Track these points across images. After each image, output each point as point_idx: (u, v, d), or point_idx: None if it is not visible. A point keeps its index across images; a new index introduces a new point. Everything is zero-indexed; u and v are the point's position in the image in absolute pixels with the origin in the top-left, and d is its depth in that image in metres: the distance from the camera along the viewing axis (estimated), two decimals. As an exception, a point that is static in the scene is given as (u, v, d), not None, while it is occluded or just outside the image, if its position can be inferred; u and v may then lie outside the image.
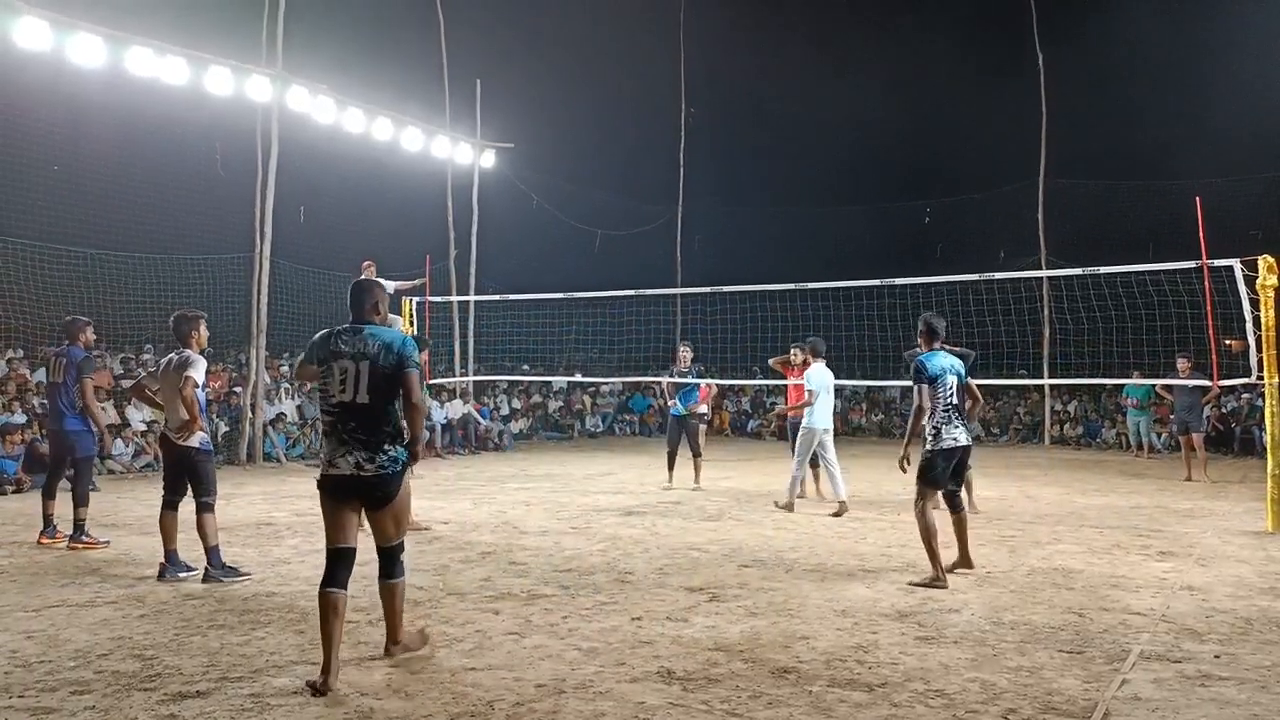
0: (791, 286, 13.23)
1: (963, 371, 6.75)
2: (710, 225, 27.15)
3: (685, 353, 12.59)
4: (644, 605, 5.76)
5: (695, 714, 3.92)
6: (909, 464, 6.55)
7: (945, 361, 6.66)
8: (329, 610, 4.29)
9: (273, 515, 9.40)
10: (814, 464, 10.59)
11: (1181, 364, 13.31)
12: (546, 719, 3.85)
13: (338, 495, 4.42)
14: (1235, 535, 8.60)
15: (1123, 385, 17.29)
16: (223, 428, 15.31)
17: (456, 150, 19.06)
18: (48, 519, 7.95)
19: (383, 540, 4.55)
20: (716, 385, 13.56)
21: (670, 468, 12.28)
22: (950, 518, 6.81)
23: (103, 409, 13.92)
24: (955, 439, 6.56)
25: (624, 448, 19.36)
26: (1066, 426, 21.47)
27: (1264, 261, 8.90)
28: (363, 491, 4.39)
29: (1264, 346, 8.80)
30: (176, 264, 18.18)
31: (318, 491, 4.50)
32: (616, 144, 26.63)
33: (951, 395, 6.57)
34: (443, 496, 10.86)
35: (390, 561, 4.56)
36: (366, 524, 4.55)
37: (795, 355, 11.04)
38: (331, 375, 4.41)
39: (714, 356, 18.11)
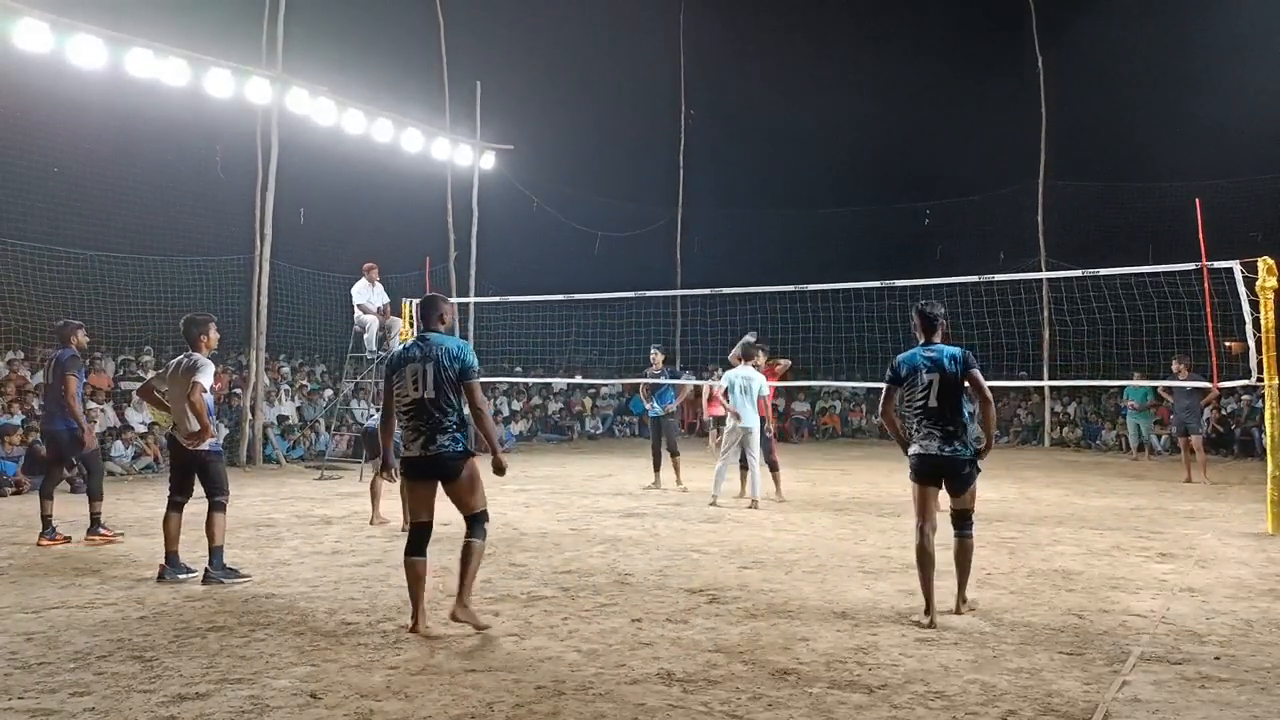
0: (791, 288, 13.25)
1: (956, 369, 5.57)
2: (710, 227, 27.17)
3: (656, 355, 12.84)
4: (644, 607, 5.76)
5: (695, 716, 3.92)
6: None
7: (923, 358, 5.64)
8: (411, 574, 5.17)
9: (272, 517, 9.40)
10: (744, 465, 10.91)
11: (1176, 365, 13.33)
12: (546, 721, 3.86)
13: (413, 475, 5.23)
14: (1235, 537, 8.60)
15: (1123, 387, 17.27)
16: (223, 429, 15.32)
17: (456, 152, 19.07)
18: (46, 520, 7.97)
19: (464, 509, 5.26)
20: (692, 386, 13.71)
21: (656, 469, 12.41)
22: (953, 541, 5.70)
23: (101, 410, 14.01)
24: (921, 449, 5.63)
25: (624, 449, 19.36)
26: (1066, 429, 21.49)
27: (1263, 263, 8.90)
28: (432, 470, 5.16)
29: (1264, 348, 8.80)
30: (176, 266, 18.20)
31: (401, 474, 5.33)
32: (616, 146, 26.65)
33: (928, 398, 5.56)
34: (442, 498, 10.84)
35: (474, 524, 5.23)
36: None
37: (758, 357, 11.55)
38: (404, 379, 5.17)
39: (714, 358, 18.12)
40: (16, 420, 12.49)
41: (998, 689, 4.26)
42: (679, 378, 13.33)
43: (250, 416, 15.12)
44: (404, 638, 5.02)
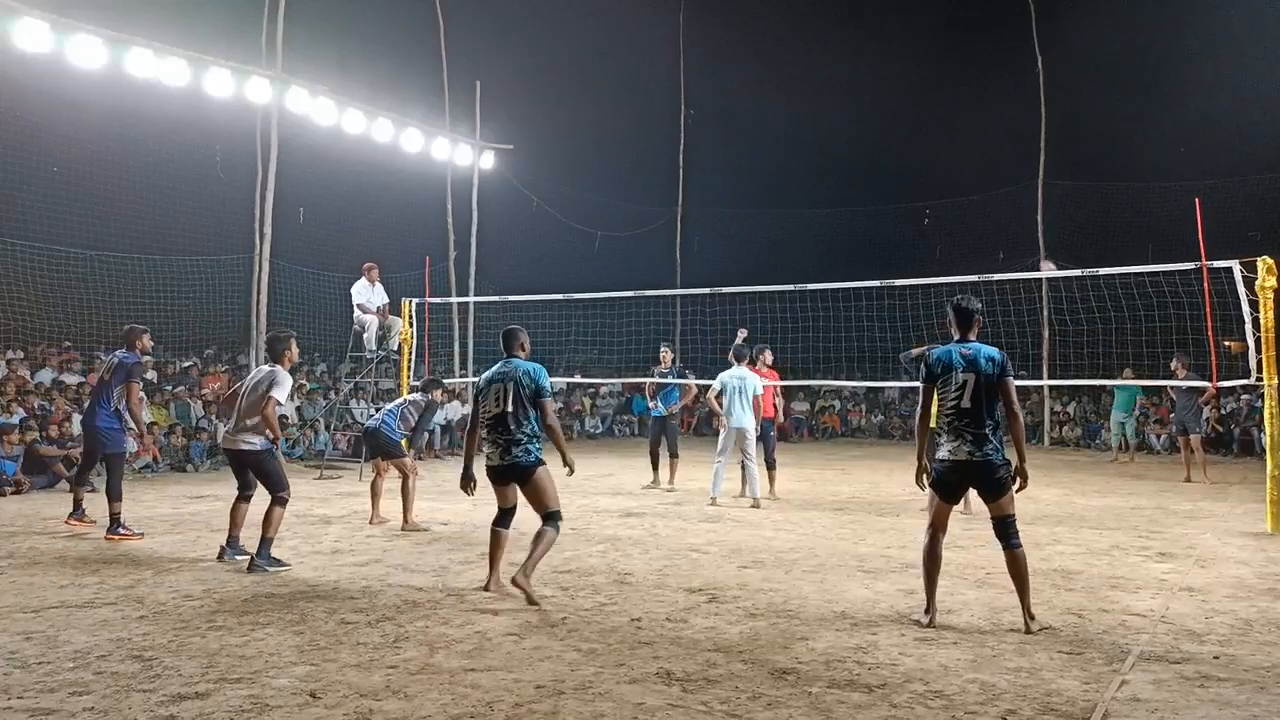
0: (790, 288, 13.25)
1: (993, 370, 5.32)
2: (709, 227, 27.17)
3: (666, 353, 12.78)
4: (643, 606, 5.77)
5: (695, 715, 3.92)
6: (927, 477, 5.51)
7: (959, 356, 5.38)
8: (494, 540, 6.20)
9: (272, 516, 9.39)
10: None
11: (1175, 365, 13.32)
12: (546, 720, 3.86)
13: (493, 477, 6.09)
14: (1235, 536, 8.60)
15: (1122, 385, 17.11)
16: (222, 429, 15.31)
17: (456, 151, 19.07)
18: (77, 503, 8.48)
19: (538, 509, 6.00)
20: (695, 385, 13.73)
21: (654, 468, 12.40)
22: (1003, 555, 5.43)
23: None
24: (949, 453, 5.33)
25: (623, 449, 19.35)
26: (1066, 428, 21.50)
27: (1263, 263, 8.91)
28: (510, 474, 5.97)
29: (1263, 348, 8.81)
30: (176, 265, 18.19)
31: (488, 477, 6.11)
32: (616, 145, 26.65)
33: (961, 398, 5.29)
34: (442, 497, 10.85)
35: (548, 520, 5.97)
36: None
37: (765, 357, 11.82)
38: (489, 396, 6.05)
39: (714, 358, 18.09)
40: (15, 420, 12.48)
41: (997, 688, 4.26)
42: (685, 377, 13.29)
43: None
44: (403, 636, 5.03)
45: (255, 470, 7.11)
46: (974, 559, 7.29)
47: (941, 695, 4.16)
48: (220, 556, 7.08)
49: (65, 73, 13.43)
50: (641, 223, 26.44)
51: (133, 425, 8.67)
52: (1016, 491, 5.37)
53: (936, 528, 5.48)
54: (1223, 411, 18.97)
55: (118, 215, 17.79)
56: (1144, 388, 16.72)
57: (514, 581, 5.77)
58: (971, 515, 9.15)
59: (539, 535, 5.93)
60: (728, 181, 27.77)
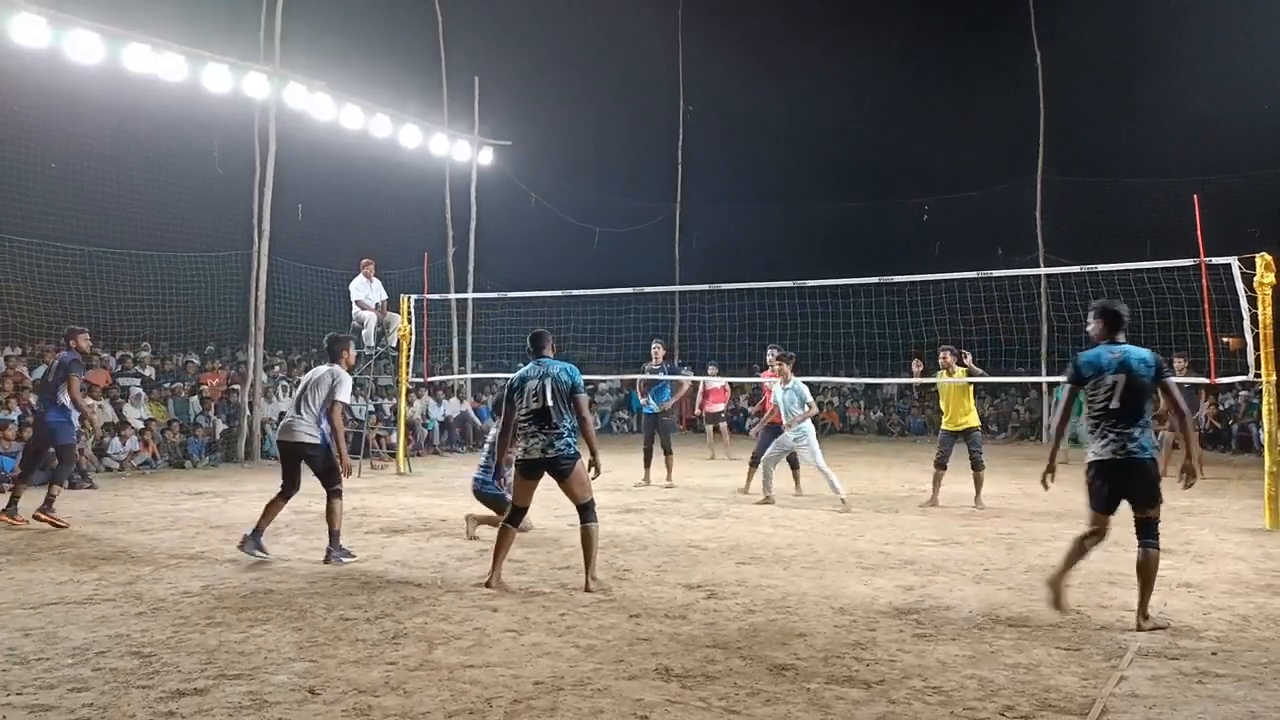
0: (790, 284, 13.23)
1: (1146, 371, 5.30)
2: (708, 223, 27.15)
3: (657, 350, 12.65)
4: (642, 603, 5.77)
5: (693, 711, 3.92)
6: (1051, 478, 5.66)
7: (1109, 358, 5.36)
8: (503, 537, 6.23)
9: (271, 513, 9.38)
10: (792, 464, 11.08)
11: (1179, 363, 13.30)
12: (544, 716, 3.85)
13: (527, 472, 6.24)
14: (1232, 532, 8.61)
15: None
16: (220, 425, 15.31)
17: (454, 147, 19.06)
18: (14, 498, 8.68)
19: (574, 499, 6.21)
20: (689, 381, 13.61)
21: (647, 465, 12.33)
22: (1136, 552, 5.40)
23: (100, 406, 14.00)
24: (1095, 454, 5.39)
25: (621, 445, 19.33)
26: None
27: (1261, 259, 8.92)
28: (548, 467, 6.14)
29: (1261, 344, 8.81)
30: (174, 261, 18.18)
31: (516, 471, 6.34)
32: (615, 141, 26.63)
33: (1110, 399, 5.29)
34: (441, 494, 10.85)
35: (585, 511, 6.19)
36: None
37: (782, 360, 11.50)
38: (523, 395, 6.19)
39: (712, 353, 18.09)
40: (13, 416, 12.47)
41: (995, 684, 4.27)
42: (678, 374, 13.23)
43: (248, 412, 15.11)
44: (402, 632, 5.03)
45: (311, 465, 7.15)
46: (973, 555, 7.30)
47: (940, 691, 4.17)
48: (242, 545, 7.05)
49: (63, 68, 13.41)
50: (640, 219, 26.41)
51: (84, 417, 9.06)
52: (1185, 488, 5.51)
53: (1093, 534, 5.43)
54: (1220, 408, 18.98)
55: (116, 211, 17.77)
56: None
57: (586, 589, 6.01)
58: (982, 509, 9.23)
59: (585, 536, 6.15)
60: (727, 177, 27.74)
